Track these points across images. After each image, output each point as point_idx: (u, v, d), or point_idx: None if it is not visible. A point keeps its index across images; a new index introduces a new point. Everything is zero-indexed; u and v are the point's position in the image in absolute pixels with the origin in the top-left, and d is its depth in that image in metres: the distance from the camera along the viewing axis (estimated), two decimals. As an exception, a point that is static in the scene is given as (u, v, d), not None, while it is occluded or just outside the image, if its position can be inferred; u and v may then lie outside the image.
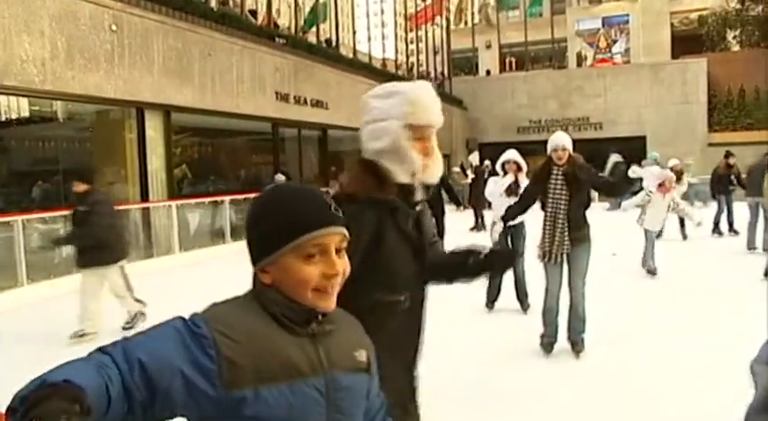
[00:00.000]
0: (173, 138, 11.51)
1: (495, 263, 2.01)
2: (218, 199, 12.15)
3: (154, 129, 10.99)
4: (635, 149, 23.82)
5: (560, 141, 4.65)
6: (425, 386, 2.05)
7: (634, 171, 12.49)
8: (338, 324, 1.16)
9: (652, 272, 7.99)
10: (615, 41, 37.31)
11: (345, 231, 1.14)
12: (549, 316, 4.80)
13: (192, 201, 11.59)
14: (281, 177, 12.56)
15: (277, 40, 14.83)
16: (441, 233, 8.65)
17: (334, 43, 19.50)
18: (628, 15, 37.04)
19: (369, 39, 24.63)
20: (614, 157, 4.65)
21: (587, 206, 4.76)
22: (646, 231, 8.15)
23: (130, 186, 10.81)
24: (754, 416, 0.84)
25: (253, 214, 1.16)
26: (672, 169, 11.26)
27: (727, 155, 11.70)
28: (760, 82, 23.33)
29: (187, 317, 1.06)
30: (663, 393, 4.03)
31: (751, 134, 21.03)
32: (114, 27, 9.71)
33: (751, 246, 9.67)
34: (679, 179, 11.10)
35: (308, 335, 1.11)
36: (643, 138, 23.64)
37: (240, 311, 1.10)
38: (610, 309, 5.93)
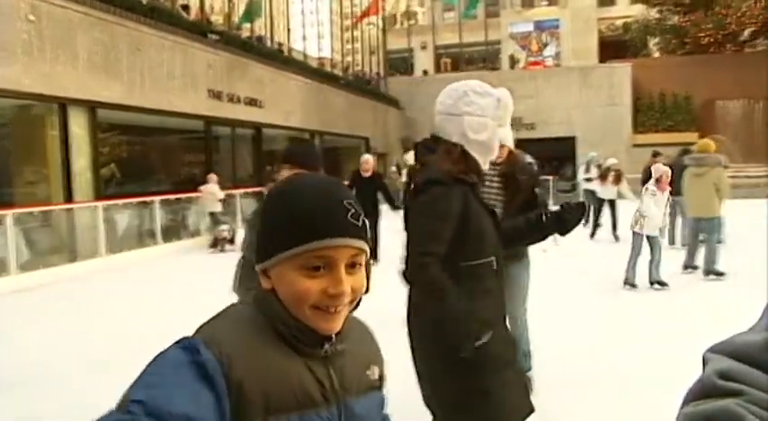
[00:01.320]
0: (99, 136, 11.02)
1: (568, 216, 2.27)
2: (148, 199, 11.74)
3: (79, 126, 10.49)
4: (565, 150, 24.71)
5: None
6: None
7: (588, 173, 12.85)
8: (351, 339, 1.02)
9: (632, 284, 7.22)
10: (546, 45, 38.44)
11: (363, 245, 0.96)
12: None
13: (120, 201, 11.15)
14: (214, 177, 12.28)
15: (210, 36, 14.46)
16: (375, 238, 8.61)
17: (268, 41, 19.23)
18: (558, 20, 38.25)
19: (304, 37, 24.42)
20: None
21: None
22: (649, 238, 7.11)
23: (53, 186, 10.29)
24: (692, 401, 0.83)
25: (263, 206, 1.02)
26: (609, 169, 11.70)
27: (655, 154, 12.21)
28: (679, 87, 24.53)
29: (181, 342, 0.89)
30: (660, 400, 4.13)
31: (672, 135, 22.08)
32: (32, 17, 9.21)
33: (671, 242, 10.14)
34: (620, 179, 11.52)
35: (319, 358, 0.97)
36: (573, 139, 24.49)
37: (243, 328, 0.94)
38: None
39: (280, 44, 21.61)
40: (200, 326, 0.94)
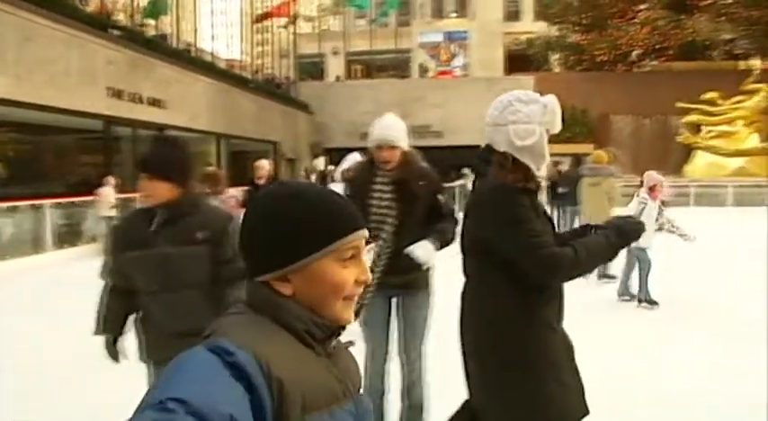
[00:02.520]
0: (-18, 133, 10.21)
1: (626, 232, 2.13)
2: (38, 202, 10.97)
3: (-42, 122, 9.67)
4: (472, 158, 25.47)
5: (386, 133, 3.07)
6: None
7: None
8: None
9: (651, 301, 6.64)
10: (455, 55, 39.56)
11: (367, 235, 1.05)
12: (373, 398, 3.01)
13: (5, 204, 10.35)
14: (111, 179, 11.68)
15: (111, 31, 13.76)
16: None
17: (174, 40, 18.57)
18: (467, 32, 39.50)
19: (213, 37, 23.80)
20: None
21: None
22: (637, 251, 6.60)
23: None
24: None
25: (270, 215, 0.99)
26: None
27: (556, 163, 12.77)
28: (577, 101, 25.92)
29: (209, 343, 0.85)
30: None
31: (571, 146, 23.25)
32: None
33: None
34: None
35: (326, 355, 0.99)
36: (479, 148, 25.21)
37: (263, 332, 0.93)
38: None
39: (188, 44, 20.94)
40: (212, 333, 0.91)
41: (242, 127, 20.05)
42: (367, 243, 1.14)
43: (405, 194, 3.01)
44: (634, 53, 29.69)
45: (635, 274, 6.84)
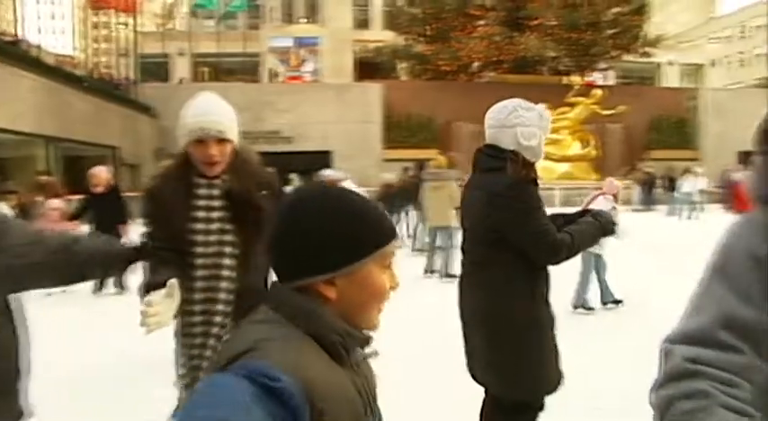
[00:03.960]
0: None
1: (605, 225, 2.49)
2: None
3: None
4: (322, 163, 25.65)
5: (211, 119, 2.14)
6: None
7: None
8: None
9: (616, 301, 6.80)
10: (305, 61, 39.63)
11: None
12: None
13: None
14: None
15: None
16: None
17: (-7, 30, 16.71)
18: (317, 38, 39.75)
19: (39, 30, 21.73)
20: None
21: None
22: (597, 256, 6.61)
23: None
24: (666, 384, 0.95)
25: (327, 214, 0.95)
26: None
27: (406, 169, 13.26)
28: (423, 108, 27.11)
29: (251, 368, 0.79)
30: None
31: (417, 152, 24.21)
32: None
33: (414, 247, 11.12)
34: None
35: (352, 367, 0.97)
36: (329, 153, 25.53)
37: (301, 348, 0.89)
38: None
39: (9, 35, 18.92)
40: (248, 350, 0.85)
41: (75, 130, 18.49)
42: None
43: (244, 210, 2.17)
44: (475, 65, 31.64)
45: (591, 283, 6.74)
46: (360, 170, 14.34)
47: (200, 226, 2.17)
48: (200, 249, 2.16)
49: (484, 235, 2.39)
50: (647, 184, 22.52)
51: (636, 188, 22.54)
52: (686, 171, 19.93)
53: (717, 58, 57.78)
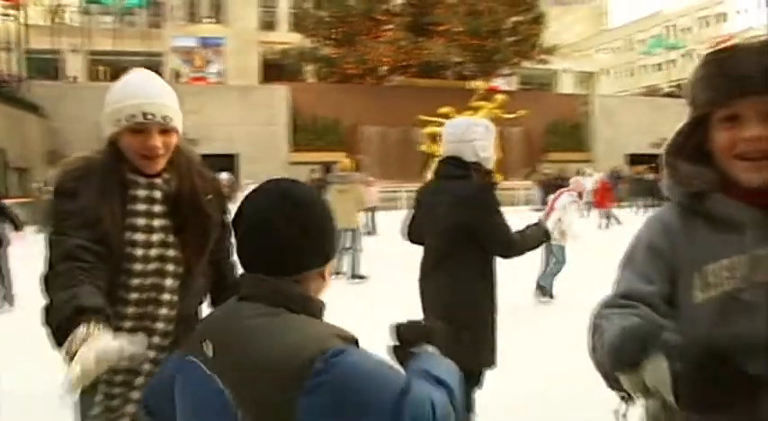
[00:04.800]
0: None
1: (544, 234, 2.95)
2: None
3: None
4: (227, 166, 25.11)
5: (153, 101, 1.73)
6: None
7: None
8: None
9: (551, 295, 7.32)
10: (210, 62, 38.66)
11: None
12: None
13: None
14: None
15: None
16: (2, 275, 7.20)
17: None
18: (222, 39, 38.87)
19: None
20: None
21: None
22: (557, 248, 7.04)
23: None
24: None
25: (312, 213, 1.10)
26: None
27: (312, 171, 13.27)
28: (330, 111, 27.14)
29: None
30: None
31: (324, 154, 24.22)
32: None
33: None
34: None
35: None
36: (235, 156, 25.05)
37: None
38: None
39: None
40: (343, 335, 1.02)
41: (-47, 130, 17.12)
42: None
43: (191, 218, 1.77)
44: (382, 68, 32.03)
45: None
46: (266, 173, 14.03)
47: (139, 236, 1.70)
48: (138, 266, 1.69)
49: (448, 230, 2.73)
50: (546, 185, 23.68)
51: (536, 189, 23.64)
52: (578, 172, 21.16)
53: (607, 67, 61.72)
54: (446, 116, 28.35)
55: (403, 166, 24.77)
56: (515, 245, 2.76)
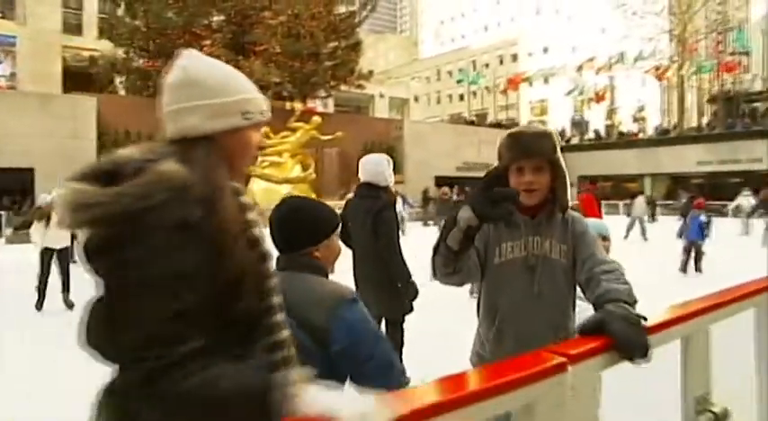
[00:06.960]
0: None
1: None
2: None
3: None
4: (22, 182, 22.66)
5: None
6: None
7: None
8: None
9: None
10: (0, 63, 34.80)
11: None
12: None
13: None
14: None
15: None
16: None
17: None
18: (15, 38, 35.13)
19: None
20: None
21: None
22: None
23: None
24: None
25: (308, 207, 1.92)
26: None
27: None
28: (144, 125, 25.85)
29: None
30: None
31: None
32: None
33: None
34: None
35: None
36: (31, 171, 22.68)
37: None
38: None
39: None
40: (345, 294, 1.76)
41: None
42: None
43: None
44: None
45: None
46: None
47: None
48: None
49: (366, 230, 3.99)
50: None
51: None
52: (395, 193, 22.61)
53: (419, 94, 66.12)
54: (265, 136, 28.61)
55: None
56: (394, 243, 4.10)
